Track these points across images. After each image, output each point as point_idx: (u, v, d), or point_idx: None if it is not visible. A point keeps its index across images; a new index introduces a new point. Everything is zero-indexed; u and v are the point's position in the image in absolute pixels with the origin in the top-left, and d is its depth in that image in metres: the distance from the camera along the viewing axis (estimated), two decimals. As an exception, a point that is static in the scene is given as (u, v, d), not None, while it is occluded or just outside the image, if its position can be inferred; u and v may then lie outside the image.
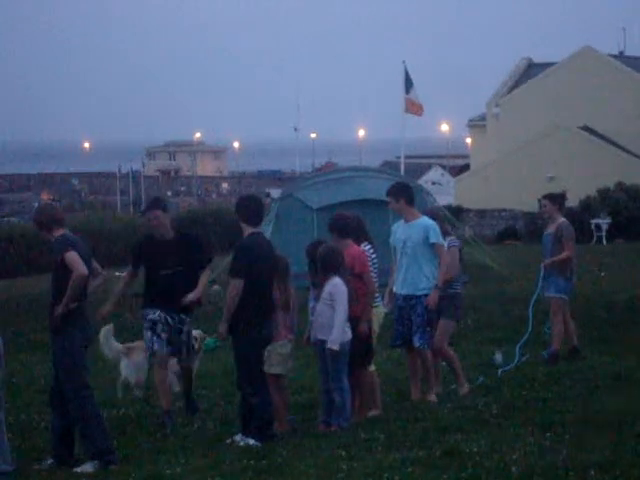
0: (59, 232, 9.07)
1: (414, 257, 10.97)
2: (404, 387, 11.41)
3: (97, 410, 9.02)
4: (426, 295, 10.93)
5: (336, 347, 9.68)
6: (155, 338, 10.42)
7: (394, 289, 11.14)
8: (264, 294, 9.58)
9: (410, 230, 11.03)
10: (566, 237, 12.95)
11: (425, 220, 11.11)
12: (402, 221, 11.21)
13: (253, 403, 9.46)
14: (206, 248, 10.95)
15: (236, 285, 9.42)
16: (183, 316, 10.59)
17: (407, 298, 11.00)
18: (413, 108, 32.81)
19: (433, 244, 10.94)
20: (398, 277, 11.10)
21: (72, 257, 8.81)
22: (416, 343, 11.01)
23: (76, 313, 8.88)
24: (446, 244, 11.41)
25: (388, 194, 11.17)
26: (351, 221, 10.43)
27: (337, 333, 9.69)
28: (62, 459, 9.01)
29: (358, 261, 10.20)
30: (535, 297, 13.25)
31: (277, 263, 9.81)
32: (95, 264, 9.38)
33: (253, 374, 9.54)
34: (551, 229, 13.12)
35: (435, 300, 10.90)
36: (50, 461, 9.05)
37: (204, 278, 10.62)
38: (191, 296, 10.40)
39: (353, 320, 10.06)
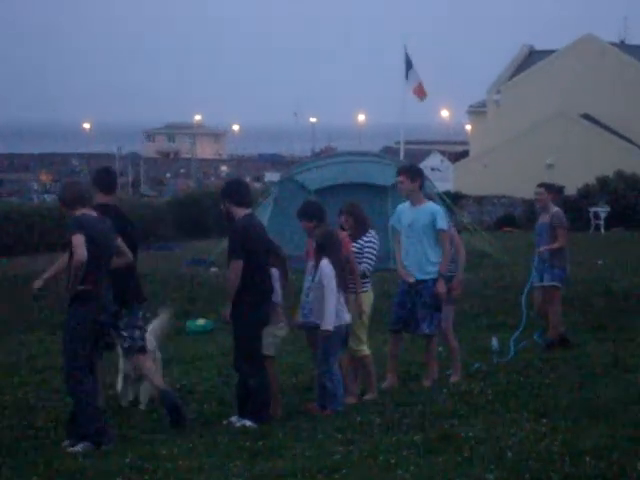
0: (79, 212, 9.03)
1: (419, 241, 10.95)
2: (400, 371, 11.43)
3: (90, 393, 8.94)
4: (433, 279, 10.92)
5: (330, 328, 9.72)
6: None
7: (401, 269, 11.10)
8: (262, 275, 9.58)
9: (417, 214, 11.00)
10: (559, 226, 12.97)
11: (432, 205, 11.11)
12: (407, 204, 11.17)
13: (251, 385, 9.48)
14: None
15: (236, 266, 9.42)
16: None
17: (412, 283, 10.98)
18: (419, 91, 32.80)
19: (439, 230, 10.93)
20: (403, 261, 11.09)
21: (76, 240, 8.79)
22: (425, 330, 10.99)
23: (86, 294, 8.85)
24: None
25: (402, 173, 11.11)
26: (321, 206, 10.47)
27: (329, 316, 9.73)
28: (99, 441, 8.91)
29: (345, 245, 10.23)
30: (528, 287, 13.26)
31: (272, 244, 9.83)
32: (122, 246, 9.30)
33: (252, 356, 9.55)
34: (545, 219, 13.12)
35: (444, 289, 10.91)
36: (85, 444, 8.96)
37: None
38: None
39: None
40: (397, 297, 11.14)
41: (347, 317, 9.97)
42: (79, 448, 8.76)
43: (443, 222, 10.97)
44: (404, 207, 11.19)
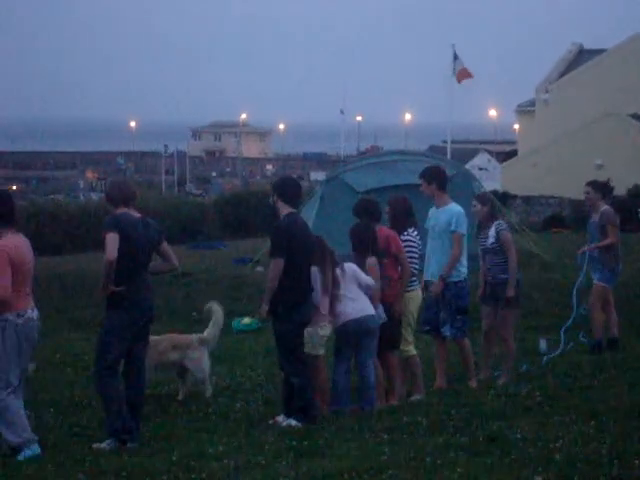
0: (121, 210, 9.06)
1: (441, 243, 10.93)
2: (448, 372, 11.35)
3: (118, 392, 8.95)
4: (455, 282, 10.88)
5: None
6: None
7: (424, 275, 11.09)
8: (303, 275, 9.55)
9: (440, 216, 10.99)
10: (609, 224, 12.79)
11: (453, 207, 11.03)
12: (434, 207, 11.18)
13: (294, 384, 9.46)
14: None
15: (277, 264, 9.39)
16: None
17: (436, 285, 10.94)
18: (464, 74, 32.68)
19: (452, 231, 10.86)
20: (426, 263, 11.07)
21: (109, 239, 8.80)
22: (446, 332, 10.95)
23: (120, 295, 8.87)
24: (494, 229, 11.34)
25: (421, 177, 11.12)
26: (376, 204, 10.43)
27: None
28: (123, 439, 8.97)
29: (393, 241, 10.20)
30: (579, 282, 13.11)
31: (314, 244, 9.78)
32: (168, 250, 9.26)
33: (293, 355, 9.52)
34: (595, 218, 12.97)
35: (438, 290, 10.83)
36: (111, 441, 9.00)
37: None
38: None
39: (386, 303, 10.07)
40: (426, 300, 11.10)
41: (383, 317, 9.96)
42: (105, 445, 8.82)
43: (459, 224, 10.89)
44: (432, 210, 11.20)
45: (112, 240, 8.76)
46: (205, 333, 11.18)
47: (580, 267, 13.11)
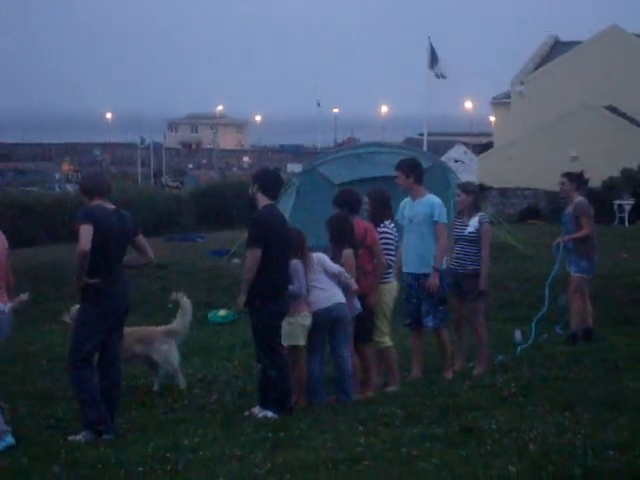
0: (95, 202, 9.01)
1: (421, 235, 10.93)
2: (423, 363, 11.38)
3: (92, 384, 8.91)
4: None
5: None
6: None
7: (403, 268, 11.10)
8: (280, 266, 9.55)
9: (417, 208, 10.99)
10: (583, 215, 12.84)
11: (432, 198, 11.06)
12: (409, 198, 11.17)
13: (271, 376, 9.46)
14: None
15: (254, 255, 9.38)
16: None
17: (416, 277, 10.96)
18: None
19: (436, 222, 10.88)
20: (405, 256, 11.06)
21: (82, 230, 8.75)
22: (429, 323, 10.98)
23: (95, 288, 8.83)
24: (477, 219, 11.37)
25: (397, 169, 11.12)
26: (357, 196, 10.45)
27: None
28: (99, 430, 8.94)
29: (370, 233, 10.21)
30: (553, 275, 13.16)
31: (292, 236, 9.80)
32: (143, 243, 9.22)
33: (270, 347, 9.53)
34: (569, 209, 13.02)
35: (436, 283, 10.86)
36: (87, 433, 8.97)
37: None
38: None
39: (361, 295, 10.09)
40: (405, 292, 11.11)
41: (358, 307, 10.00)
42: (81, 437, 8.79)
43: (441, 215, 10.93)
44: (405, 202, 11.19)
45: (86, 231, 8.72)
46: (173, 324, 11.10)
47: (555, 259, 13.16)
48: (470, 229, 11.39)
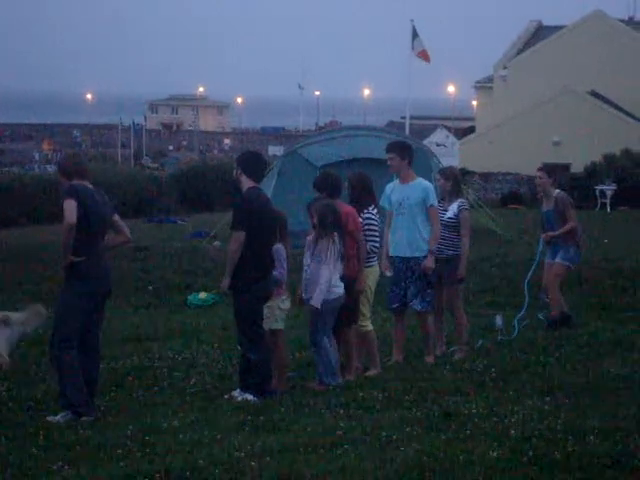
0: (76, 182, 8.96)
1: (411, 218, 10.85)
2: (404, 348, 11.36)
3: (74, 364, 8.87)
4: (425, 257, 10.85)
5: (317, 305, 9.66)
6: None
7: (390, 252, 11.03)
8: (264, 249, 9.50)
9: (408, 191, 10.89)
10: (567, 208, 12.81)
11: (423, 182, 11.00)
12: (396, 182, 11.09)
13: (252, 359, 9.43)
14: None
15: (238, 237, 9.33)
16: None
17: (405, 260, 10.91)
18: (424, 55, 32.69)
19: (430, 206, 10.84)
20: (394, 239, 10.99)
21: (67, 205, 8.71)
22: (417, 306, 10.94)
23: (80, 265, 8.78)
24: (456, 205, 11.35)
25: (391, 150, 10.99)
26: (337, 180, 10.36)
27: (319, 292, 9.66)
28: (79, 411, 8.89)
29: (351, 218, 10.13)
30: (531, 273, 13.14)
31: (277, 218, 9.74)
32: (120, 223, 9.19)
33: (252, 330, 9.49)
34: (549, 205, 12.91)
35: (432, 265, 10.82)
36: (66, 414, 8.91)
37: None
38: None
39: (345, 280, 10.01)
40: (392, 276, 11.04)
41: (340, 291, 9.90)
42: (60, 418, 8.74)
43: (434, 199, 10.89)
44: (393, 185, 11.10)
45: (70, 206, 8.69)
46: (14, 314, 10.59)
47: (542, 252, 13.08)
48: (449, 214, 11.36)
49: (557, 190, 12.97)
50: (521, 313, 12.94)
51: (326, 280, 9.68)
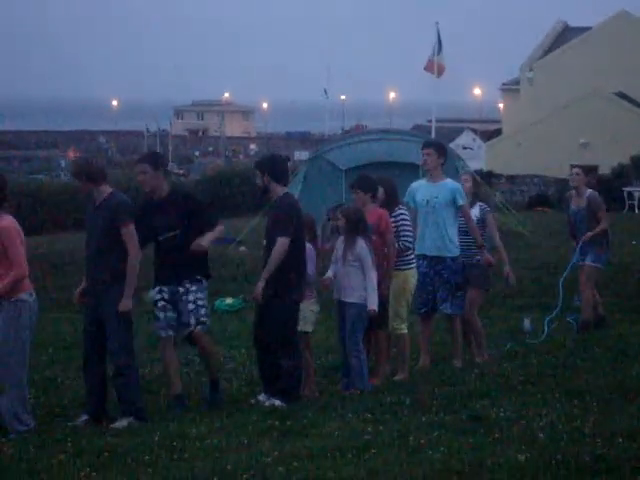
0: (107, 189, 8.93)
1: (440, 218, 10.82)
2: (432, 352, 11.32)
3: (137, 367, 9.06)
4: (452, 258, 10.81)
5: (375, 308, 9.67)
6: (155, 321, 9.55)
7: (415, 251, 10.99)
8: (302, 253, 9.47)
9: (436, 190, 10.87)
10: (599, 209, 12.83)
11: (452, 182, 11.02)
12: (422, 181, 11.11)
13: (285, 365, 9.33)
14: (207, 209, 9.95)
15: (284, 244, 9.21)
16: (187, 285, 9.33)
17: (432, 262, 10.85)
18: (431, 68, 32.56)
19: (461, 206, 10.84)
20: (420, 239, 10.94)
21: (131, 232, 8.77)
22: (448, 310, 10.90)
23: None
24: (477, 209, 11.31)
25: (428, 147, 11.01)
26: (374, 183, 10.37)
27: (374, 295, 9.67)
28: (96, 416, 8.97)
29: (384, 220, 10.13)
30: (566, 273, 13.07)
31: (306, 222, 9.74)
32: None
33: (287, 336, 9.39)
34: (581, 203, 12.86)
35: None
36: (84, 418, 8.98)
37: (210, 235, 9.33)
38: (194, 245, 9.19)
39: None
40: (419, 279, 10.92)
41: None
42: (125, 423, 8.77)
43: (464, 199, 10.90)
44: (419, 184, 11.09)
45: (134, 232, 8.83)
46: None
47: (576, 256, 13.01)
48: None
49: (590, 190, 12.98)
50: (553, 314, 12.87)
51: (375, 283, 9.67)
